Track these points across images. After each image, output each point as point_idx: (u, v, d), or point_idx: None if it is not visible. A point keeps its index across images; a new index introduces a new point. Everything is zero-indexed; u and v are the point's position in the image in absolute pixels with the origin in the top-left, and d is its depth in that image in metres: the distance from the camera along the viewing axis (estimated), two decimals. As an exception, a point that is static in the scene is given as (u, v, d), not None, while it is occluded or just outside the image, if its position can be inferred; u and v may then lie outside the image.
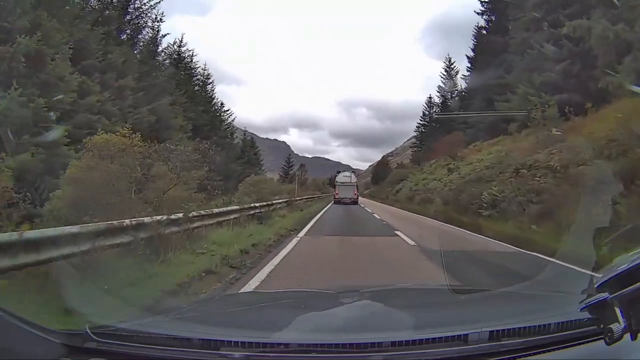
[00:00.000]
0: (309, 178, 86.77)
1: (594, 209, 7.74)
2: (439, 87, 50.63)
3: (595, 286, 1.18)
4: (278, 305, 2.16)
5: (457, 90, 48.32)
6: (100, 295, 3.74)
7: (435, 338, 1.35)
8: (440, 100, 50.32)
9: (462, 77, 46.99)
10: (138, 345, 1.32)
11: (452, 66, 49.54)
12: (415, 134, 56.29)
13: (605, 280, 1.14)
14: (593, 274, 1.76)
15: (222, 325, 1.70)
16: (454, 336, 1.36)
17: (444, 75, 50.20)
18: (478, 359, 1.32)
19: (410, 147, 62.99)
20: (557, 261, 6.67)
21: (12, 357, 1.15)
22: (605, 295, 1.14)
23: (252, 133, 56.91)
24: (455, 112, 43.22)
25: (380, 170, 76.59)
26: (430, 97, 53.25)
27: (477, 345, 1.33)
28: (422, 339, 1.37)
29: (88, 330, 1.33)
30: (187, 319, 1.87)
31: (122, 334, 1.39)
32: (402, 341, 1.38)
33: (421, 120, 53.85)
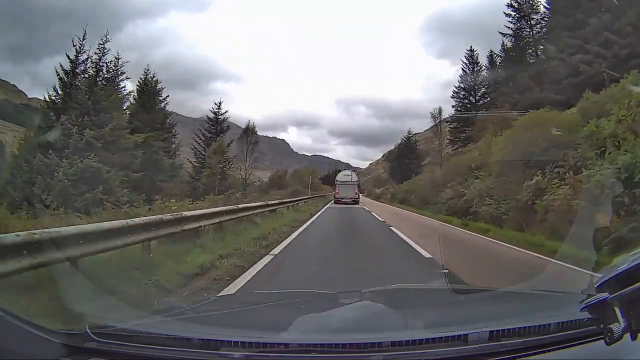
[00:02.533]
0: (286, 170, 54.80)
1: None
2: (504, 13, 37.16)
3: (595, 286, 1.19)
4: (278, 305, 2.16)
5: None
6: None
7: (435, 338, 1.35)
8: (513, 32, 36.98)
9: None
10: (138, 345, 1.32)
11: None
12: (454, 103, 42.52)
13: (605, 280, 1.14)
14: (593, 273, 1.75)
15: (222, 325, 1.70)
16: (454, 336, 1.36)
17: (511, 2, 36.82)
18: (478, 359, 1.32)
19: (447, 121, 44.74)
20: None
21: (12, 357, 1.15)
22: (605, 295, 1.14)
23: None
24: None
25: (406, 158, 52.02)
26: (472, 49, 40.95)
27: (477, 345, 1.33)
28: (422, 339, 1.37)
29: (88, 330, 1.33)
30: (187, 319, 1.86)
31: (122, 334, 1.38)
32: (402, 341, 1.38)
33: (460, 83, 41.69)
